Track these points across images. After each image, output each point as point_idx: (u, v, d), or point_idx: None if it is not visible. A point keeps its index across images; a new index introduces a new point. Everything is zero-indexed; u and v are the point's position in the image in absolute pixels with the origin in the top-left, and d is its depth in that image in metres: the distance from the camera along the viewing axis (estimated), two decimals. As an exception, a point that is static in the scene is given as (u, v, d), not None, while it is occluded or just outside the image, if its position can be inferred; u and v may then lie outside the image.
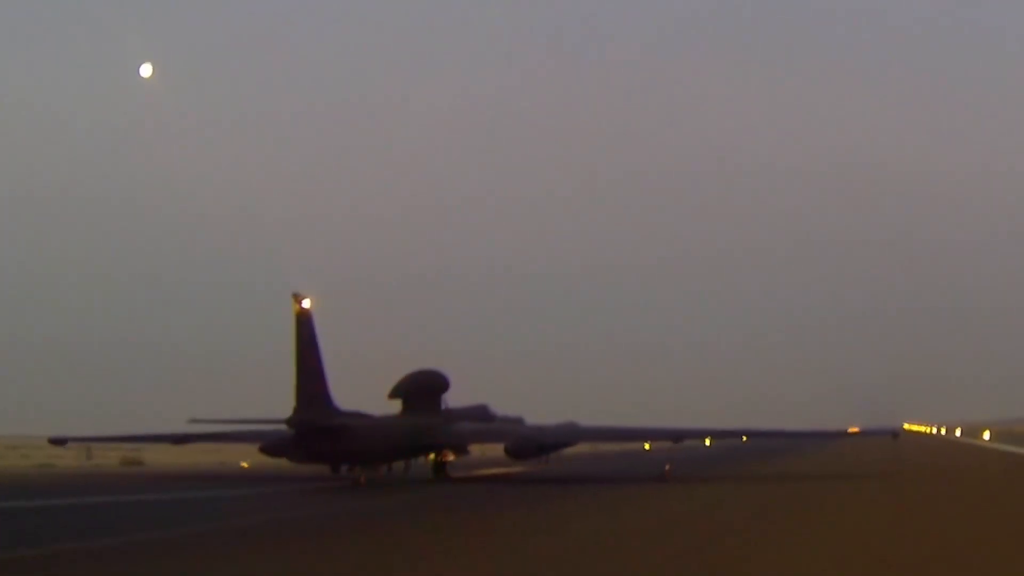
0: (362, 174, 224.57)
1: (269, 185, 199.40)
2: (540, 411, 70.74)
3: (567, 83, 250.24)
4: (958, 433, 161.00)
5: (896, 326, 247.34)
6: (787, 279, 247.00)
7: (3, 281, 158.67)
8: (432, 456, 55.60)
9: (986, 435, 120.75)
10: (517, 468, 58.16)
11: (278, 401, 52.30)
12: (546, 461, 57.46)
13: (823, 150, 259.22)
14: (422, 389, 54.63)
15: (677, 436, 58.03)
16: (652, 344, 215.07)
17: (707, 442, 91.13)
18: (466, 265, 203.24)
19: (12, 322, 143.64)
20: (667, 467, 38.12)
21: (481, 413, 58.45)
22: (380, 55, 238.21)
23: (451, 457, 56.59)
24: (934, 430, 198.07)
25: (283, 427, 48.20)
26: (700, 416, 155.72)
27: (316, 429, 46.59)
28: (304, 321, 46.89)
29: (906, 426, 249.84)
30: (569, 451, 66.41)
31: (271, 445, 52.76)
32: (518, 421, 59.77)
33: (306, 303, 47.01)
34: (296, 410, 46.56)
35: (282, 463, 54.53)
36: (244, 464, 67.24)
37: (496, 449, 62.27)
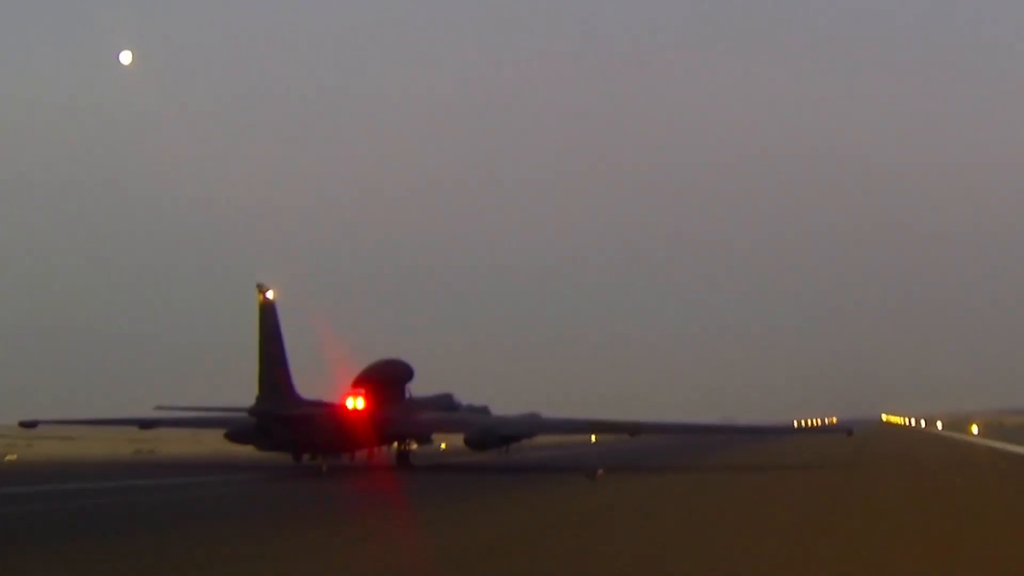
0: (335, 165, 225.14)
1: (243, 174, 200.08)
2: (510, 401, 72.19)
3: (542, 74, 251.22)
4: (939, 426, 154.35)
5: (878, 317, 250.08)
6: (767, 271, 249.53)
7: None
8: (396, 445, 56.61)
9: (974, 429, 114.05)
10: (480, 457, 59.16)
11: (247, 389, 53.50)
12: (506, 451, 58.39)
13: (807, 141, 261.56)
14: (384, 378, 55.55)
15: (635, 430, 59.20)
16: (633, 336, 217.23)
17: None
18: (436, 256, 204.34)
19: None
20: (599, 472, 39.31)
21: (445, 402, 59.31)
22: (359, 47, 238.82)
23: (414, 446, 57.59)
24: (911, 422, 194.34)
25: (240, 414, 49.27)
26: (683, 408, 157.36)
27: (277, 418, 47.55)
28: (267, 311, 47.79)
29: (884, 417, 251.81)
30: (542, 440, 67.69)
31: (237, 432, 53.72)
32: (483, 410, 60.61)
33: (270, 294, 47.91)
34: (259, 399, 47.52)
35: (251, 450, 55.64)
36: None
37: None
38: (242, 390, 53.57)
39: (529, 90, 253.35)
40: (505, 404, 64.50)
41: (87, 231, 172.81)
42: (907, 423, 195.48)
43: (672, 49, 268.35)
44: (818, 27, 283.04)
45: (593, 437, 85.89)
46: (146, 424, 60.39)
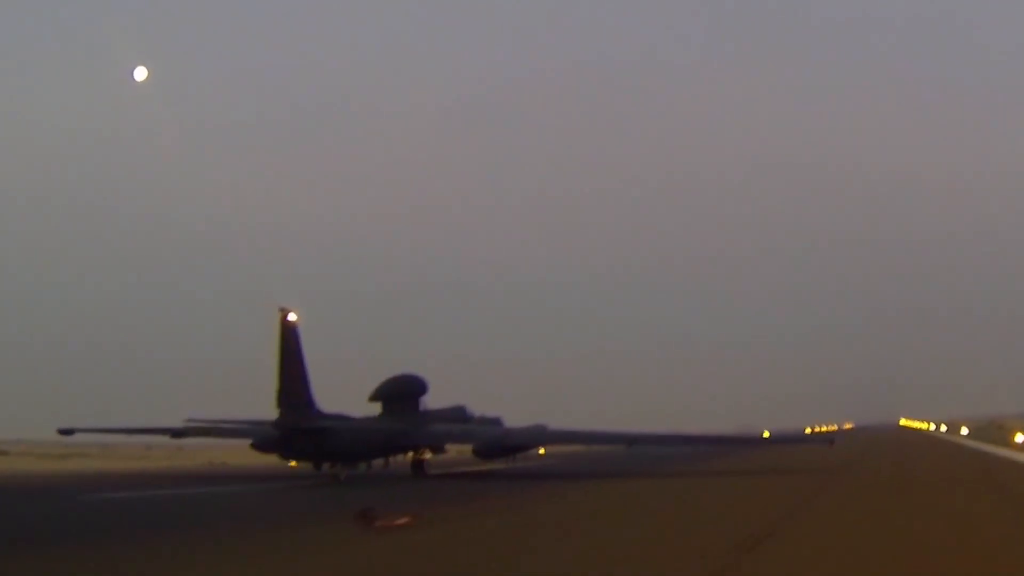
0: (348, 180, 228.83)
1: (261, 190, 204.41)
2: (521, 413, 75.55)
3: (553, 85, 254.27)
4: (943, 429, 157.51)
5: (895, 323, 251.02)
6: (784, 279, 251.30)
7: (4, 283, 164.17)
8: (410, 455, 60.36)
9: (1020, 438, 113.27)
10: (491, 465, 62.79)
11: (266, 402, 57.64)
12: (513, 460, 61.95)
13: (822, 149, 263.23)
14: (400, 393, 59.39)
15: (632, 440, 62.83)
16: (652, 345, 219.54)
17: None
18: (449, 272, 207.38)
19: (11, 324, 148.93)
20: None
21: (458, 414, 63.00)
22: (370, 62, 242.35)
23: (428, 455, 61.32)
24: (932, 427, 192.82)
25: (266, 427, 53.26)
26: (700, 418, 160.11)
27: (299, 431, 51.45)
28: (289, 332, 51.67)
29: (902, 422, 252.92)
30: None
31: (262, 443, 57.62)
32: (496, 422, 64.19)
33: (292, 316, 51.82)
34: (282, 413, 51.39)
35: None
36: None
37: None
38: (263, 403, 57.87)
39: (544, 103, 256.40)
40: (519, 415, 68.39)
41: (111, 250, 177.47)
42: (928, 428, 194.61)
43: (688, 59, 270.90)
44: (840, 37, 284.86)
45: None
46: (177, 434, 64.35)
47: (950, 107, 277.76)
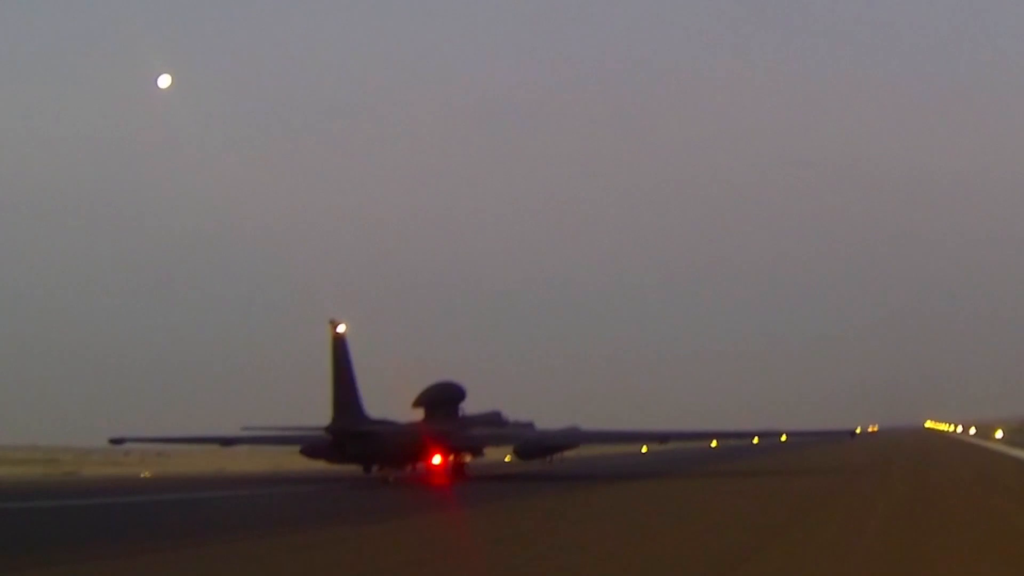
0: (378, 186, 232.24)
1: (291, 196, 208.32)
2: (550, 416, 78.52)
3: (575, 91, 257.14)
4: (972, 432, 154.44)
5: (921, 325, 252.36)
6: (810, 280, 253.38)
7: (54, 294, 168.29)
8: (452, 457, 63.30)
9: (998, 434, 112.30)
10: (527, 467, 65.85)
11: (312, 411, 60.72)
12: (550, 461, 65.04)
13: (852, 150, 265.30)
14: (441, 399, 62.32)
15: (664, 439, 65.74)
16: (677, 347, 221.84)
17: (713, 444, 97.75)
18: (481, 282, 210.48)
19: (53, 333, 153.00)
20: None
21: (494, 419, 65.99)
22: (402, 65, 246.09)
23: (468, 458, 64.29)
24: (958, 429, 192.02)
25: (317, 433, 56.35)
26: (726, 415, 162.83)
27: (351, 435, 54.51)
28: (339, 343, 54.77)
29: (928, 424, 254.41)
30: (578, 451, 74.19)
31: (310, 448, 60.83)
32: (528, 425, 67.19)
33: (341, 328, 54.90)
34: (334, 419, 54.47)
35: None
36: None
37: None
38: (303, 410, 61.05)
39: (573, 105, 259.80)
40: (552, 418, 71.36)
41: (149, 260, 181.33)
42: (953, 430, 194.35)
43: (709, 61, 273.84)
44: (855, 38, 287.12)
45: (645, 447, 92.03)
46: (227, 442, 67.54)
47: (977, 107, 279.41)
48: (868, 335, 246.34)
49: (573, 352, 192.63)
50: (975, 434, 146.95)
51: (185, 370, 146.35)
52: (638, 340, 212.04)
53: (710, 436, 73.61)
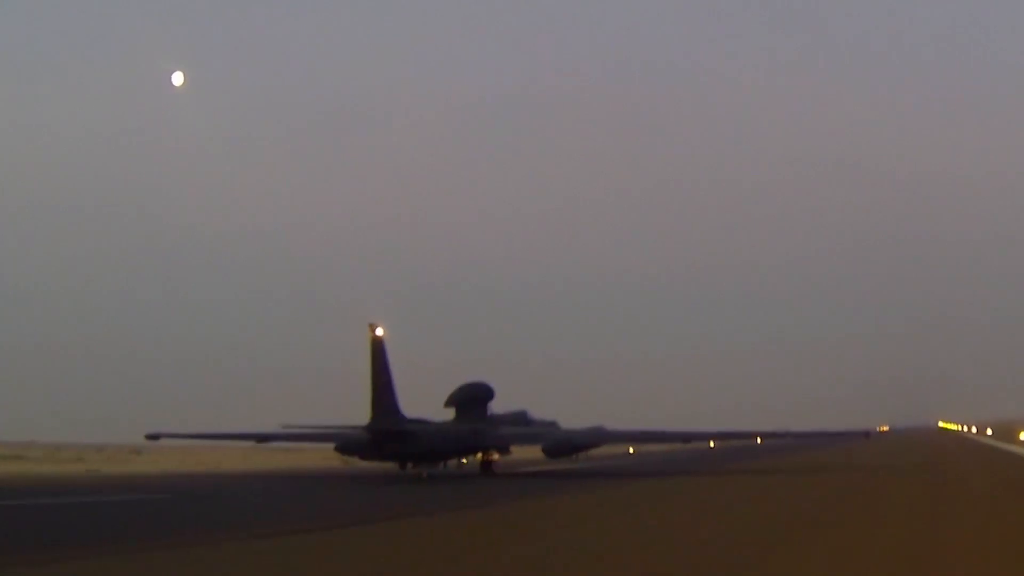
0: (391, 186, 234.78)
1: (317, 195, 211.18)
2: (573, 415, 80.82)
3: (591, 90, 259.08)
4: (989, 433, 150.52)
5: (933, 323, 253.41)
6: (821, 280, 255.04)
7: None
8: (480, 455, 65.88)
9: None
10: (549, 465, 68.36)
11: (340, 410, 63.50)
12: (575, 459, 67.71)
13: (863, 149, 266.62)
14: (471, 399, 64.80)
15: (686, 438, 68.26)
16: (692, 346, 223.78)
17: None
18: (500, 282, 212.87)
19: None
20: None
21: (521, 418, 68.52)
22: (407, 69, 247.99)
23: (496, 456, 66.84)
24: (968, 428, 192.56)
25: (356, 431, 58.91)
26: (737, 415, 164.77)
27: (389, 434, 57.04)
28: (378, 345, 57.29)
29: (941, 424, 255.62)
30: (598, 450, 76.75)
31: (345, 445, 63.31)
32: (552, 424, 69.73)
33: (379, 331, 57.40)
34: (373, 418, 57.00)
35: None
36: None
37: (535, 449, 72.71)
38: (331, 410, 63.77)
39: (585, 101, 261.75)
40: (574, 418, 73.84)
41: (184, 258, 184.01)
42: (964, 430, 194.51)
43: (726, 60, 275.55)
44: (863, 36, 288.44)
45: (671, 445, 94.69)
46: (262, 438, 70.14)
47: (994, 105, 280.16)
48: (880, 334, 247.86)
49: (584, 352, 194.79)
50: (992, 435, 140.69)
51: (213, 372, 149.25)
52: (640, 341, 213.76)
53: (731, 436, 76.08)
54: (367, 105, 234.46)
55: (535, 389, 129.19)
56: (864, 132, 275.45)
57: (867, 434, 77.44)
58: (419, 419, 60.51)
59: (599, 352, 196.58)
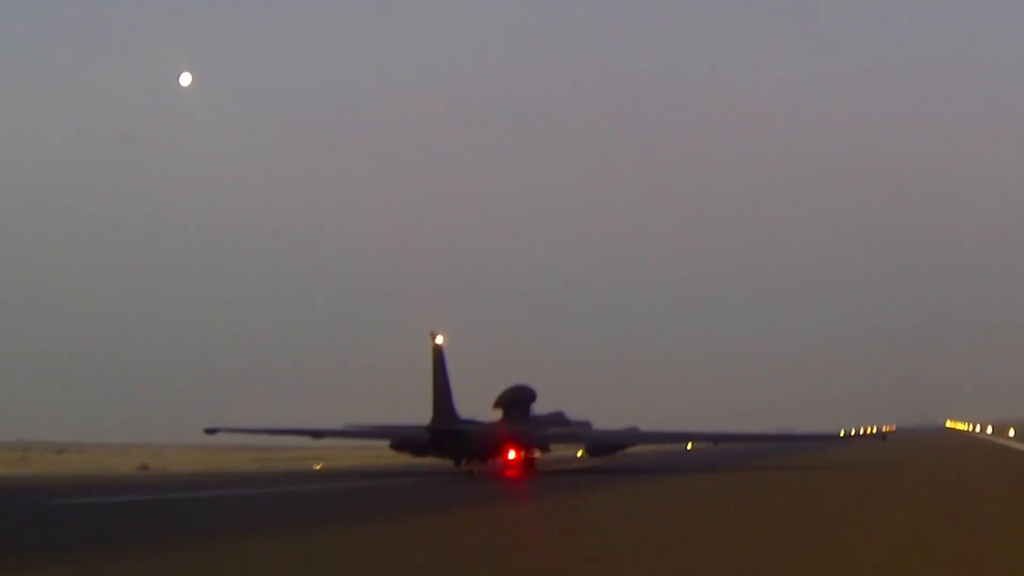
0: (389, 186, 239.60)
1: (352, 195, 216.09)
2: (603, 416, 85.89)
3: (623, 91, 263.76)
4: (1011, 434, 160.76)
5: (941, 325, 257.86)
6: (828, 280, 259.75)
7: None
8: (524, 453, 71.03)
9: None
10: (583, 464, 73.56)
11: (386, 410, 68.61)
12: (612, 457, 73.01)
13: (869, 149, 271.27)
14: (516, 401, 69.92)
15: (717, 439, 73.54)
16: (694, 347, 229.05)
17: None
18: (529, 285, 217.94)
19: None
20: None
21: (558, 418, 73.76)
22: (418, 68, 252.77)
23: (537, 454, 72.00)
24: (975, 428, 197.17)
25: (417, 430, 64.15)
26: (745, 416, 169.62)
27: (448, 433, 62.26)
28: (438, 352, 62.45)
29: (948, 423, 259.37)
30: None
31: (400, 442, 68.50)
32: (586, 424, 75.11)
33: (439, 339, 62.57)
34: (433, 419, 62.24)
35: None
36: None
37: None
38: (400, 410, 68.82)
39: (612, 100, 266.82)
40: (603, 419, 79.08)
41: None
42: (971, 429, 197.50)
43: (720, 58, 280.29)
44: (868, 34, 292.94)
45: (689, 444, 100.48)
46: (317, 434, 75.33)
47: (1004, 105, 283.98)
48: (887, 334, 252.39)
49: (598, 353, 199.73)
50: (991, 433, 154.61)
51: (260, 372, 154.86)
52: (645, 342, 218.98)
53: (758, 438, 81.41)
54: (382, 104, 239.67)
55: (559, 389, 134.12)
56: (870, 133, 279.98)
57: (883, 436, 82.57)
58: (471, 420, 65.66)
59: (605, 353, 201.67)
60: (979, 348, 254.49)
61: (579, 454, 78.50)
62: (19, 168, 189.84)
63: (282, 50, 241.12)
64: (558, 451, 79.80)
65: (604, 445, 71.36)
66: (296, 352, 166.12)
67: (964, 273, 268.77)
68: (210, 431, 77.24)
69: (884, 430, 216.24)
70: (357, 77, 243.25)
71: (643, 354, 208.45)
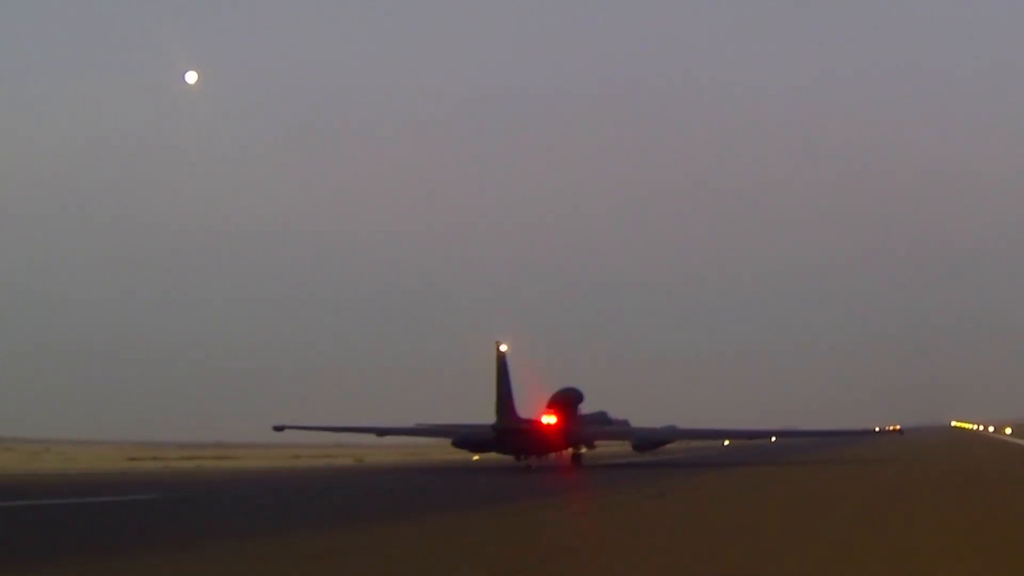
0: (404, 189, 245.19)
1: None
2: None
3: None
4: (991, 430, 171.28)
5: (948, 325, 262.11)
6: (835, 281, 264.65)
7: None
8: (571, 450, 77.84)
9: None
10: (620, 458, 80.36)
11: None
12: (655, 454, 79.92)
13: (878, 148, 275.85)
14: (567, 401, 76.75)
15: (752, 436, 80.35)
16: (694, 348, 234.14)
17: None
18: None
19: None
20: None
21: (603, 418, 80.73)
22: (427, 69, 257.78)
23: (583, 450, 78.80)
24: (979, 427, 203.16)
25: (483, 429, 71.00)
26: (752, 416, 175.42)
27: (510, 431, 69.11)
28: (502, 359, 69.30)
29: (954, 423, 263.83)
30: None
31: (463, 439, 75.43)
32: (625, 423, 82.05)
33: (503, 347, 69.43)
34: (498, 418, 69.09)
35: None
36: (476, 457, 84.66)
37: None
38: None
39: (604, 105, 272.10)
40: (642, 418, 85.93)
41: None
42: (978, 429, 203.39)
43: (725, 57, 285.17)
44: (873, 33, 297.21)
45: (726, 441, 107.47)
46: (381, 432, 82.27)
47: (1013, 103, 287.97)
48: (890, 336, 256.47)
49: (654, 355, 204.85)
50: (993, 431, 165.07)
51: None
52: (652, 344, 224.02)
53: (789, 434, 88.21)
54: (403, 105, 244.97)
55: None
56: (876, 133, 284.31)
57: (901, 431, 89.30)
58: (530, 419, 72.47)
59: (621, 352, 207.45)
60: (985, 349, 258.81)
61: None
62: (22, 168, 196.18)
63: (292, 47, 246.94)
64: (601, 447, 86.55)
65: (649, 442, 78.21)
66: (341, 360, 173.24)
67: (970, 274, 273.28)
68: (278, 428, 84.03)
69: (890, 429, 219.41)
70: (378, 74, 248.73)
71: (645, 355, 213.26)
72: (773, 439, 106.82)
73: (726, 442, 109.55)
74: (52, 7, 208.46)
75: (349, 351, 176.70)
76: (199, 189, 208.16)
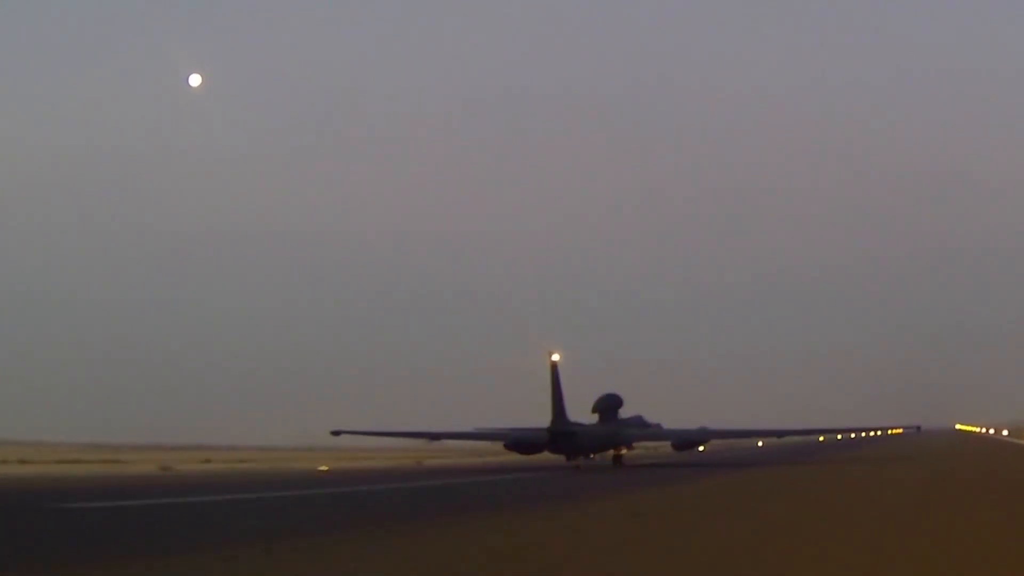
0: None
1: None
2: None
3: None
4: (991, 432, 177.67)
5: (952, 328, 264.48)
6: (838, 283, 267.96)
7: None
8: (612, 451, 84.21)
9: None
10: (650, 460, 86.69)
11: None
12: (690, 453, 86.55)
13: (886, 148, 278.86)
14: (609, 406, 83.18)
15: (780, 435, 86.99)
16: (700, 350, 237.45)
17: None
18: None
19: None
20: None
21: (639, 421, 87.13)
22: (432, 70, 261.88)
23: (624, 451, 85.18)
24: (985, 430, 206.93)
25: (538, 432, 77.37)
26: (758, 416, 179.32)
27: (562, 434, 75.48)
28: (554, 368, 75.68)
29: (958, 426, 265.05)
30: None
31: (515, 442, 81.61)
32: (658, 426, 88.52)
33: (555, 357, 75.83)
34: (553, 422, 75.30)
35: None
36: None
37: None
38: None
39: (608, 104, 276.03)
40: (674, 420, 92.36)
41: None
42: (984, 431, 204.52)
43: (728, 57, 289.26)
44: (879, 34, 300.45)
45: (760, 441, 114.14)
46: (434, 436, 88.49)
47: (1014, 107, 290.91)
48: (893, 337, 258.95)
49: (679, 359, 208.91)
50: (1007, 435, 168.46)
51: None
52: (664, 346, 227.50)
53: (815, 432, 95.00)
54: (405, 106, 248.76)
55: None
56: (884, 134, 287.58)
57: (917, 428, 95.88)
58: (579, 422, 78.90)
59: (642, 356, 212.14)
60: (989, 352, 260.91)
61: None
62: (24, 170, 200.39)
63: (295, 49, 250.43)
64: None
65: (687, 442, 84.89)
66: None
67: (974, 277, 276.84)
68: (335, 433, 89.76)
69: (891, 432, 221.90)
70: (378, 75, 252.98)
71: (648, 358, 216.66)
72: (821, 439, 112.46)
73: (759, 443, 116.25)
74: (55, 9, 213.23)
75: (356, 357, 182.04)
76: (207, 190, 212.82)
